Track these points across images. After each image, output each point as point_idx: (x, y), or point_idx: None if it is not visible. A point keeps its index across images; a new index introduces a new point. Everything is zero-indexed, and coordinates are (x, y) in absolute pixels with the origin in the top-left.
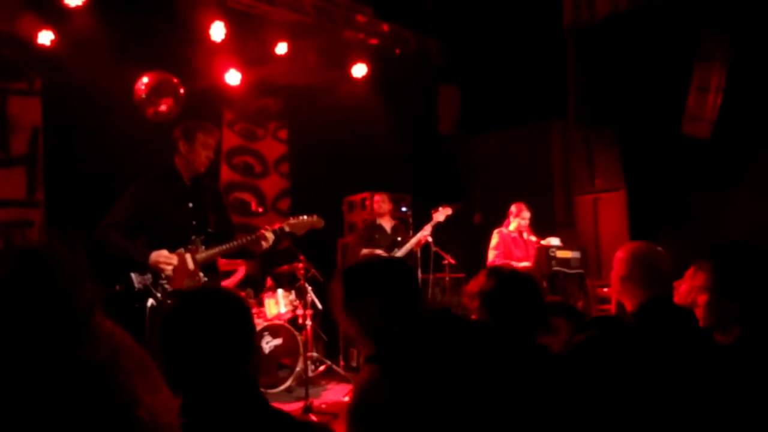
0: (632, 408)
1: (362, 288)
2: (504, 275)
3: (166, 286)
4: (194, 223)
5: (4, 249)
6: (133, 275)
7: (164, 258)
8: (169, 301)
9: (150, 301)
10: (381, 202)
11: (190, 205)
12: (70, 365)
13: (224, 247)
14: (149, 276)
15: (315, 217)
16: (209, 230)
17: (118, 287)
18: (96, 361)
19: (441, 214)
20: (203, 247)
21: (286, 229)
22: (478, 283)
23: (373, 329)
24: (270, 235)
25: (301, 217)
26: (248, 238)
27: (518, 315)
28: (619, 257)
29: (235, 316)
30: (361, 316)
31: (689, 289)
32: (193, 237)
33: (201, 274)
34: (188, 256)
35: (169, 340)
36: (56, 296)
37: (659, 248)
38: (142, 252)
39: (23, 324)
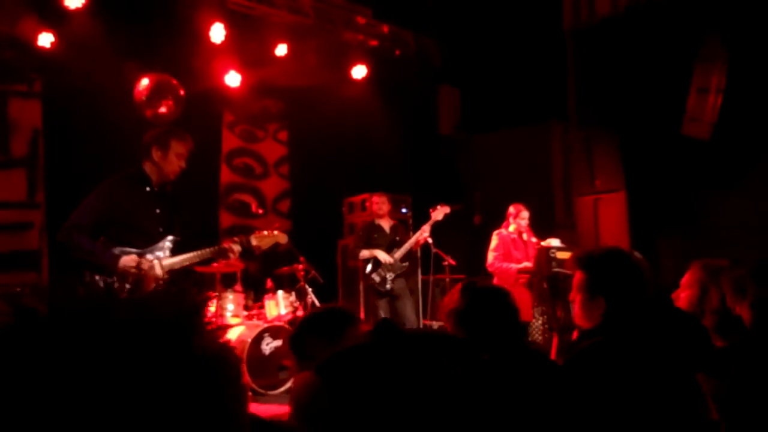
0: (637, 419)
1: None
2: (475, 292)
3: (133, 291)
4: (161, 229)
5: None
6: (97, 278)
7: (134, 264)
8: None
9: None
10: (380, 203)
11: (158, 210)
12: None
13: (191, 255)
14: (114, 280)
15: (278, 233)
16: (176, 237)
17: (81, 290)
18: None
19: (439, 213)
20: (170, 253)
21: (253, 242)
22: (451, 301)
23: None
24: (236, 247)
25: (265, 232)
26: (214, 249)
27: (491, 331)
28: None
29: None
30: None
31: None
32: (161, 243)
33: (169, 280)
34: (156, 263)
35: None
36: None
37: (636, 253)
38: (111, 256)
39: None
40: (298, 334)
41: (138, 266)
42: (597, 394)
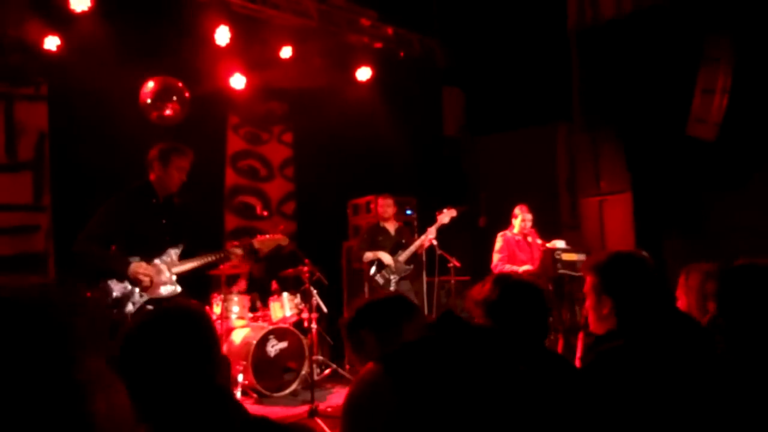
0: (657, 424)
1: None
2: (509, 284)
3: (144, 294)
4: (167, 238)
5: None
6: (110, 282)
7: (143, 270)
8: (149, 307)
9: (129, 307)
10: (385, 205)
11: (164, 221)
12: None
13: (197, 261)
14: (127, 284)
15: (280, 235)
16: (182, 245)
17: (89, 293)
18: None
19: (446, 216)
20: (177, 260)
21: (256, 245)
22: (483, 291)
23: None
24: (239, 251)
25: (267, 236)
26: (219, 254)
27: (522, 325)
28: None
29: (191, 331)
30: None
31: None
32: (168, 250)
33: (177, 285)
34: (164, 268)
35: (129, 365)
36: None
37: (644, 253)
38: (122, 262)
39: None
40: (354, 324)
41: (147, 272)
42: (622, 397)
